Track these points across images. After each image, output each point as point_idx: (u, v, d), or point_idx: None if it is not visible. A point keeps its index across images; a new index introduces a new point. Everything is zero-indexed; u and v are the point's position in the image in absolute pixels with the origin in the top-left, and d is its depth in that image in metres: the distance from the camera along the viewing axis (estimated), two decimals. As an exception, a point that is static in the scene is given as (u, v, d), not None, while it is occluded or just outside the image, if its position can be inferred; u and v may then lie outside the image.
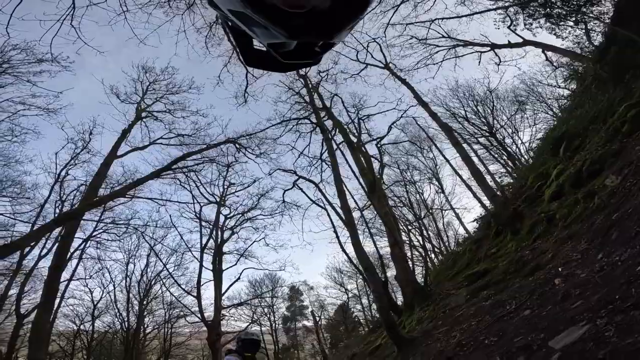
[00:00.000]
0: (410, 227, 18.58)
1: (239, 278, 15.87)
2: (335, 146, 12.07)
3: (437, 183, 19.67)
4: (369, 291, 20.68)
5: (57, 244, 11.45)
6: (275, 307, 23.20)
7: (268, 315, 22.80)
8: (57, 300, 13.80)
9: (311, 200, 12.46)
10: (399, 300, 13.16)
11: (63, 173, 12.80)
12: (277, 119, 13.30)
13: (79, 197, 12.76)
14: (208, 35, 10.89)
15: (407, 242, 17.13)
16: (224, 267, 14.72)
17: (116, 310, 18.22)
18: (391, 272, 14.04)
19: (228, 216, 15.10)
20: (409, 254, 15.19)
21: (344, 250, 11.22)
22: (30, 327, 11.67)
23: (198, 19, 10.34)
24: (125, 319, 18.15)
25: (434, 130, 16.14)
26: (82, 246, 13.61)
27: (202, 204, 14.01)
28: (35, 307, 13.07)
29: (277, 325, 24.16)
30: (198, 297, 14.33)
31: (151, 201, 12.09)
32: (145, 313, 19.34)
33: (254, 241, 15.74)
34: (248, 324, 21.30)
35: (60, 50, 13.26)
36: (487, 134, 18.35)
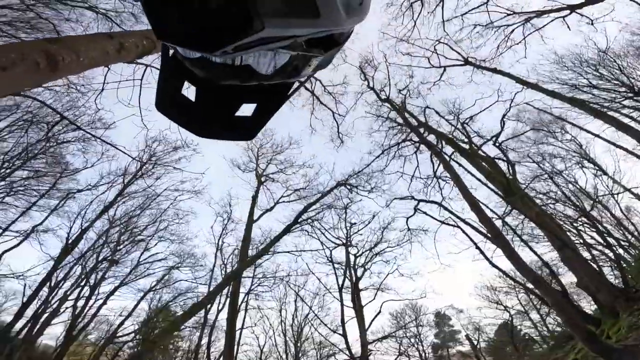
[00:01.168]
0: (575, 224, 15.06)
1: (379, 312, 15.51)
2: (447, 158, 11.30)
3: (591, 165, 15.74)
4: (537, 304, 17.33)
5: (228, 299, 13.80)
6: (422, 335, 21.63)
7: (416, 346, 21.35)
8: (236, 347, 16.24)
9: (439, 221, 11.60)
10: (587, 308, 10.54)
11: (220, 242, 15.79)
12: (377, 149, 13.33)
13: (234, 259, 15.45)
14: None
15: (577, 241, 13.84)
16: (363, 304, 14.83)
17: (277, 354, 20.22)
18: (565, 279, 11.44)
19: (357, 255, 15.41)
20: (585, 254, 12.24)
21: (494, 266, 9.83)
22: None
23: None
24: None
25: (558, 109, 13.44)
26: (245, 299, 15.95)
27: (331, 249, 14.77)
28: (220, 354, 15.81)
29: (427, 355, 22.32)
30: (344, 335, 14.70)
31: (289, 253, 13.55)
32: (300, 354, 20.70)
33: (388, 274, 15.37)
34: (396, 356, 20.37)
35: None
36: (630, 95, 14.16)
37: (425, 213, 11.88)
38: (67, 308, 12.70)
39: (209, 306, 15.37)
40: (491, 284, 20.58)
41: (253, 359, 20.76)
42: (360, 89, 13.47)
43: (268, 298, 19.09)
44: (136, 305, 15.60)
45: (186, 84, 0.42)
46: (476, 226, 9.70)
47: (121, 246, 13.46)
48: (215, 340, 17.45)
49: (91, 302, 13.62)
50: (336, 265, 14.97)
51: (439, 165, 11.92)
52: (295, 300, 18.67)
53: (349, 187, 13.03)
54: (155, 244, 15.53)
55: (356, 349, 15.03)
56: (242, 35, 0.26)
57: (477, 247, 10.03)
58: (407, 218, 12.74)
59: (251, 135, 0.41)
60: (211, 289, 15.45)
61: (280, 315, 19.20)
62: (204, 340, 16.93)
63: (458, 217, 10.60)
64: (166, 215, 15.31)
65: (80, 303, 12.97)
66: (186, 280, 16.33)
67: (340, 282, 14.78)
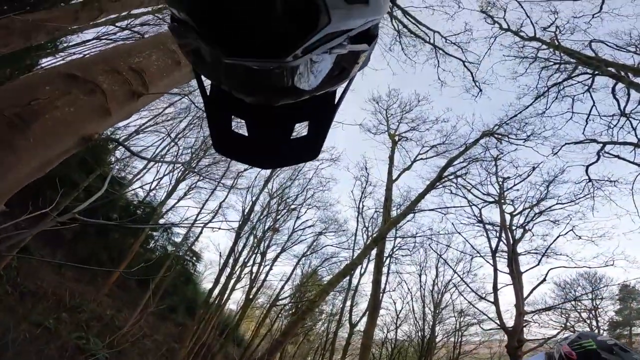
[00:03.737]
0: None
1: (544, 280, 13.18)
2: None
3: None
4: None
5: (372, 262, 14.37)
6: (599, 310, 17.96)
7: (589, 322, 17.95)
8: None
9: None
10: None
11: (360, 206, 16.59)
12: (528, 94, 11.68)
13: (375, 223, 16.02)
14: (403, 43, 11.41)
15: None
16: (522, 270, 13.13)
17: (414, 320, 20.12)
18: None
19: (513, 214, 13.51)
20: None
21: None
22: (363, 334, 14.68)
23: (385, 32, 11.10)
24: (420, 329, 19.64)
25: None
26: (385, 262, 16.28)
27: (480, 207, 13.41)
28: (362, 316, 16.79)
29: (601, 332, 18.49)
30: (495, 303, 13.34)
31: (433, 211, 13.10)
32: (438, 322, 20.06)
33: (558, 236, 12.85)
34: (558, 331, 17.50)
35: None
36: None
37: (617, 157, 9.85)
38: (245, 274, 15.45)
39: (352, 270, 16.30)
40: None
41: (388, 323, 21.26)
42: (490, 33, 11.78)
43: (407, 262, 19.08)
44: (292, 271, 17.94)
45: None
46: None
47: (279, 215, 15.60)
48: (354, 304, 18.45)
49: (261, 268, 16.33)
50: (488, 227, 13.48)
51: (627, 101, 9.59)
52: (437, 265, 18.11)
53: (497, 136, 11.75)
54: (305, 212, 17.41)
55: (507, 319, 13.53)
56: (311, 32, 0.25)
57: None
58: (588, 166, 10.68)
59: (315, 154, 0.39)
60: (354, 252, 16.43)
61: (420, 280, 18.95)
62: (347, 303, 18.21)
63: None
64: (311, 184, 16.79)
65: (255, 269, 15.68)
66: (331, 246, 17.92)
67: (494, 245, 13.34)
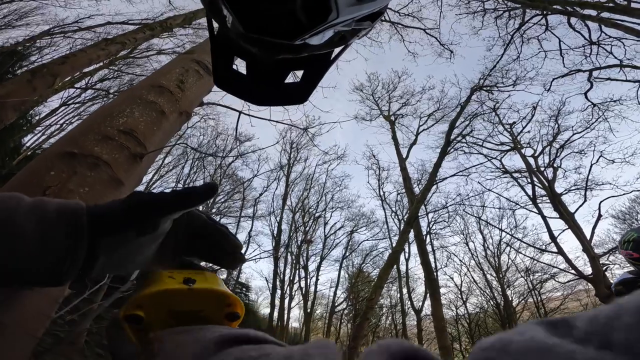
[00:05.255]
0: None
1: (600, 216, 12.18)
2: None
3: None
4: None
5: (414, 244, 14.05)
6: None
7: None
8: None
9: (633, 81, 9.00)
10: None
11: (381, 193, 16.44)
12: (496, 45, 11.65)
13: (401, 205, 15.78)
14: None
15: None
16: (572, 210, 12.29)
17: (480, 290, 19.15)
18: None
19: (535, 155, 12.86)
20: None
21: None
22: (432, 318, 14.28)
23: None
24: (491, 297, 18.65)
25: None
26: (426, 240, 15.83)
27: (499, 158, 12.73)
28: (423, 299, 16.40)
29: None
30: (560, 252, 12.20)
31: (452, 180, 12.81)
32: (506, 286, 18.98)
33: (591, 166, 12.09)
34: None
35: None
36: None
37: (609, 79, 9.93)
38: (296, 291, 15.59)
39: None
40: None
41: (454, 300, 20.45)
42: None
43: (449, 234, 18.40)
44: (338, 275, 17.91)
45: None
46: None
47: (308, 227, 15.68)
48: (411, 290, 17.98)
49: (308, 281, 16.48)
50: (516, 175, 12.72)
51: (589, 31, 9.76)
52: (480, 229, 17.38)
53: (486, 89, 11.68)
54: (330, 216, 17.46)
55: (581, 266, 12.50)
56: (320, 25, 0.29)
57: None
58: (585, 93, 10.67)
59: (304, 99, 0.42)
60: (392, 240, 16.19)
61: (469, 249, 18.15)
62: (404, 291, 17.81)
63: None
64: (327, 187, 17.04)
65: (302, 283, 15.78)
66: (367, 240, 17.74)
67: (530, 192, 12.52)
